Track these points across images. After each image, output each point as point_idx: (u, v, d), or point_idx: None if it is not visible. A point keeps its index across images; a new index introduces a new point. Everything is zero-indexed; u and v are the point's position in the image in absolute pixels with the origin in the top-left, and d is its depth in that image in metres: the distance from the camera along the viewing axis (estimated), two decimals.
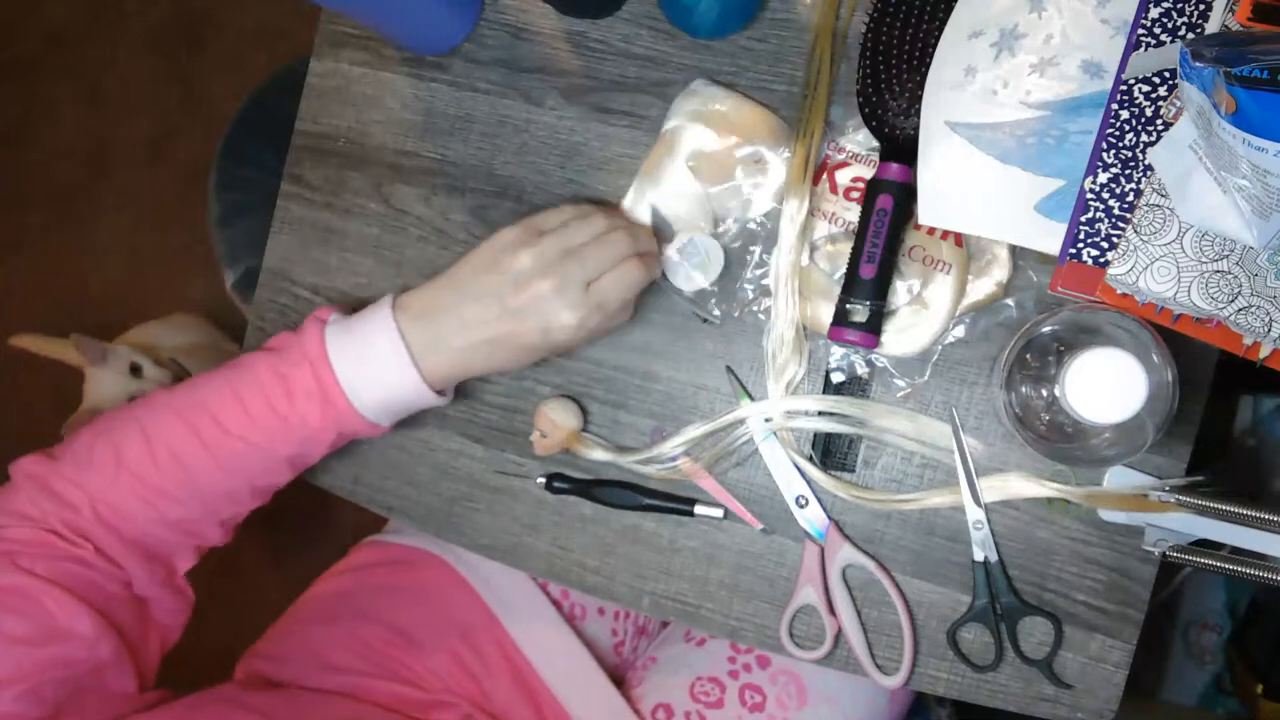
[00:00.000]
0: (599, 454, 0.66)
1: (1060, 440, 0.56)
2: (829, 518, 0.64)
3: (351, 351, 0.57)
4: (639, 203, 0.65)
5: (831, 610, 0.64)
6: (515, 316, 0.57)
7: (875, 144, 0.63)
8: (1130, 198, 0.56)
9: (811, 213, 0.64)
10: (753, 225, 0.65)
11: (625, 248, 0.58)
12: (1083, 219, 0.57)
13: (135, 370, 1.25)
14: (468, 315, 0.57)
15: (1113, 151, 0.56)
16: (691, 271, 0.64)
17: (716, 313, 0.66)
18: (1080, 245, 0.57)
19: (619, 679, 0.79)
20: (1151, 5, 0.56)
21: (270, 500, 0.64)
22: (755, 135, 0.64)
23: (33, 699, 0.51)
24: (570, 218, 0.59)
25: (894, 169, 0.60)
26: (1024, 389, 0.56)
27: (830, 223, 0.64)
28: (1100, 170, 0.57)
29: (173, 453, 0.57)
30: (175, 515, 0.58)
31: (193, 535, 0.60)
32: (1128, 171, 0.56)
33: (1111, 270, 0.56)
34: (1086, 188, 0.57)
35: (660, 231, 0.65)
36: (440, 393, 0.61)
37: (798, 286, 0.63)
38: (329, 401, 0.57)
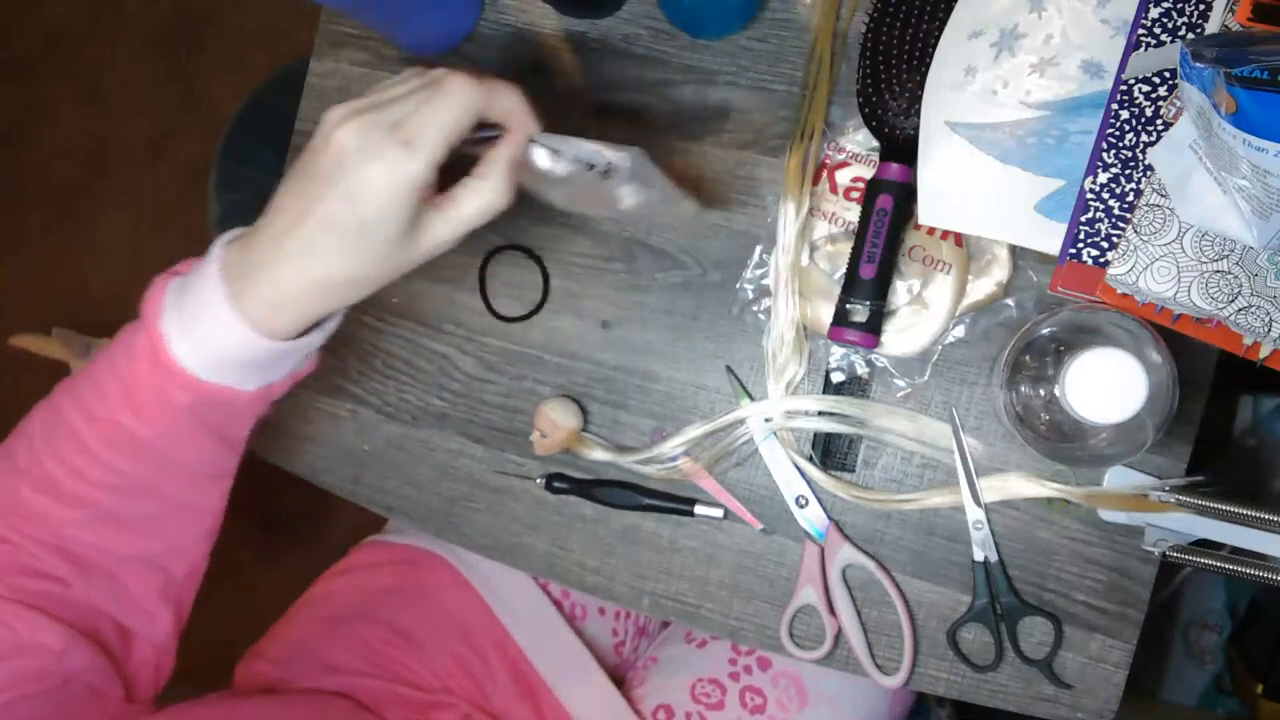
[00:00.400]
0: (599, 454, 0.66)
1: (1060, 440, 0.56)
2: (829, 518, 0.64)
3: (183, 299, 0.47)
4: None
5: (831, 610, 0.64)
6: (320, 185, 0.44)
7: (875, 144, 0.63)
8: (1130, 198, 0.56)
9: (811, 213, 0.64)
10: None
11: (451, 84, 0.45)
12: (1083, 219, 0.57)
13: None
14: (276, 205, 0.46)
15: (1113, 151, 0.56)
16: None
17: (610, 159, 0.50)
18: (1080, 245, 0.57)
19: (619, 679, 0.79)
20: (1151, 5, 0.56)
21: (225, 499, 0.57)
22: None
23: (6, 717, 0.47)
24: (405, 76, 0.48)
25: (894, 169, 0.60)
26: (1024, 389, 0.56)
27: (830, 223, 0.64)
28: (1100, 170, 0.57)
29: (49, 443, 0.50)
30: (77, 516, 0.50)
31: (115, 545, 0.52)
32: (1128, 171, 0.56)
33: (1111, 270, 0.56)
34: (1086, 188, 0.57)
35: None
36: (304, 334, 0.48)
37: (798, 286, 0.63)
38: (158, 361, 0.46)
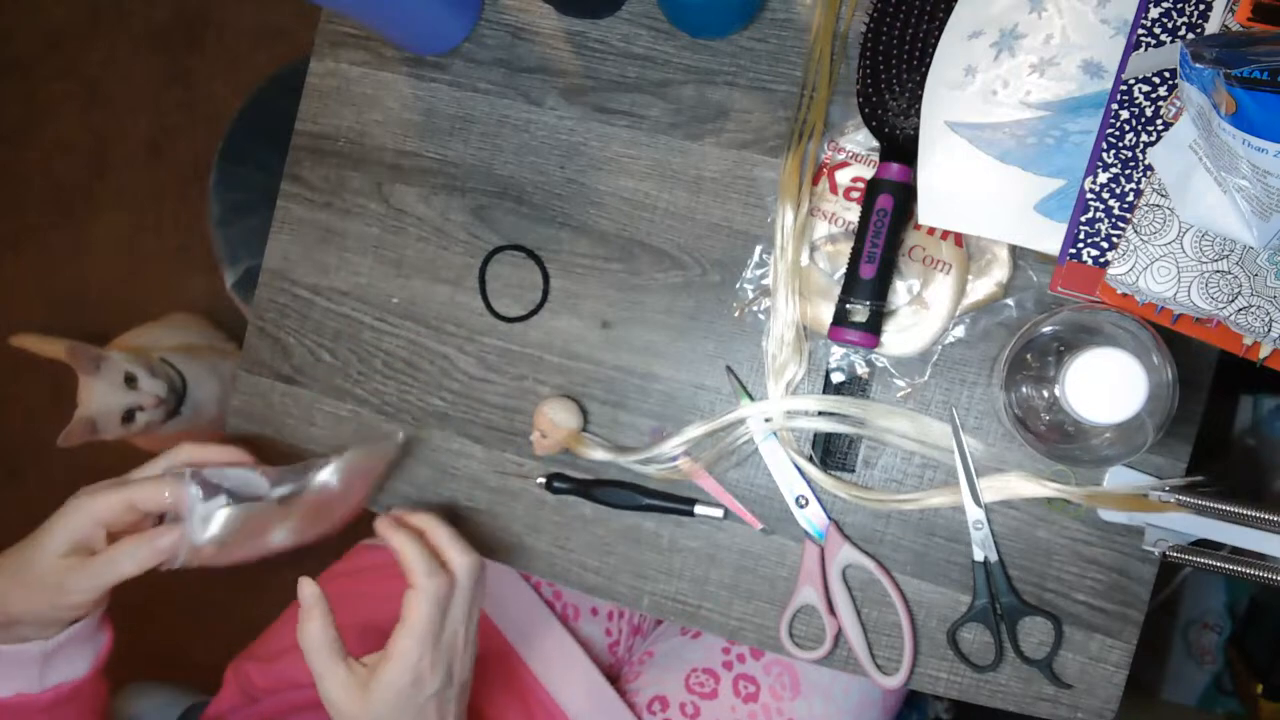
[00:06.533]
0: (599, 454, 0.66)
1: (1060, 440, 0.56)
2: (829, 518, 0.64)
3: None
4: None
5: (831, 610, 0.64)
6: None
7: (875, 144, 0.63)
8: (1130, 198, 0.56)
9: (811, 213, 0.64)
10: None
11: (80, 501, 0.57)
12: (1083, 219, 0.57)
13: (130, 381, 1.21)
14: None
15: (1113, 151, 0.56)
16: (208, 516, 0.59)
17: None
18: (1080, 245, 0.57)
19: (614, 677, 0.79)
20: (1151, 5, 0.56)
21: None
22: None
23: None
24: None
25: (894, 169, 0.60)
26: (1024, 389, 0.56)
27: (830, 223, 0.64)
28: (1100, 170, 0.57)
29: None
30: None
31: None
32: (1128, 171, 0.56)
33: (1111, 270, 0.56)
34: (1086, 188, 0.57)
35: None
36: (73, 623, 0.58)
37: (798, 286, 0.63)
38: None
